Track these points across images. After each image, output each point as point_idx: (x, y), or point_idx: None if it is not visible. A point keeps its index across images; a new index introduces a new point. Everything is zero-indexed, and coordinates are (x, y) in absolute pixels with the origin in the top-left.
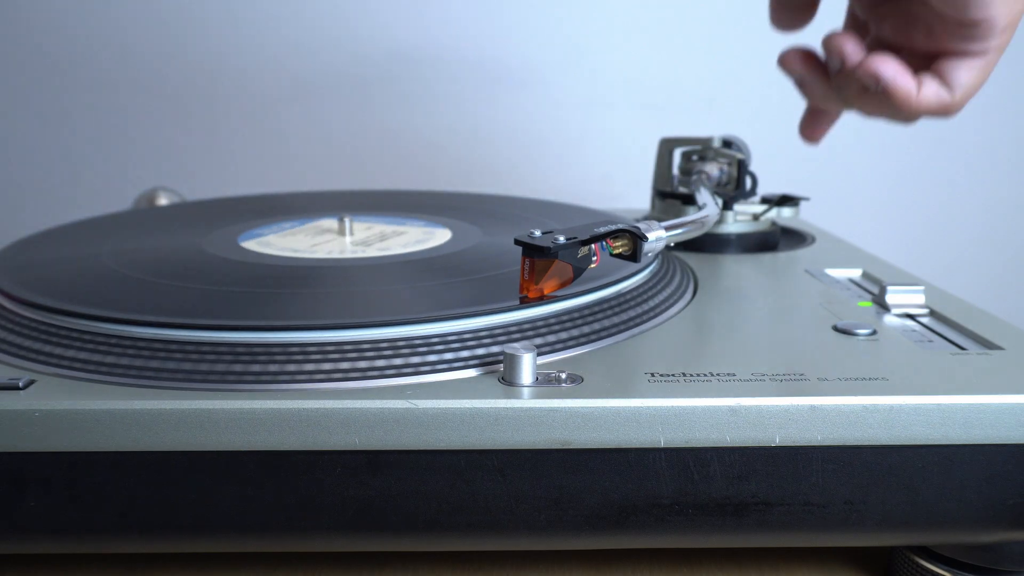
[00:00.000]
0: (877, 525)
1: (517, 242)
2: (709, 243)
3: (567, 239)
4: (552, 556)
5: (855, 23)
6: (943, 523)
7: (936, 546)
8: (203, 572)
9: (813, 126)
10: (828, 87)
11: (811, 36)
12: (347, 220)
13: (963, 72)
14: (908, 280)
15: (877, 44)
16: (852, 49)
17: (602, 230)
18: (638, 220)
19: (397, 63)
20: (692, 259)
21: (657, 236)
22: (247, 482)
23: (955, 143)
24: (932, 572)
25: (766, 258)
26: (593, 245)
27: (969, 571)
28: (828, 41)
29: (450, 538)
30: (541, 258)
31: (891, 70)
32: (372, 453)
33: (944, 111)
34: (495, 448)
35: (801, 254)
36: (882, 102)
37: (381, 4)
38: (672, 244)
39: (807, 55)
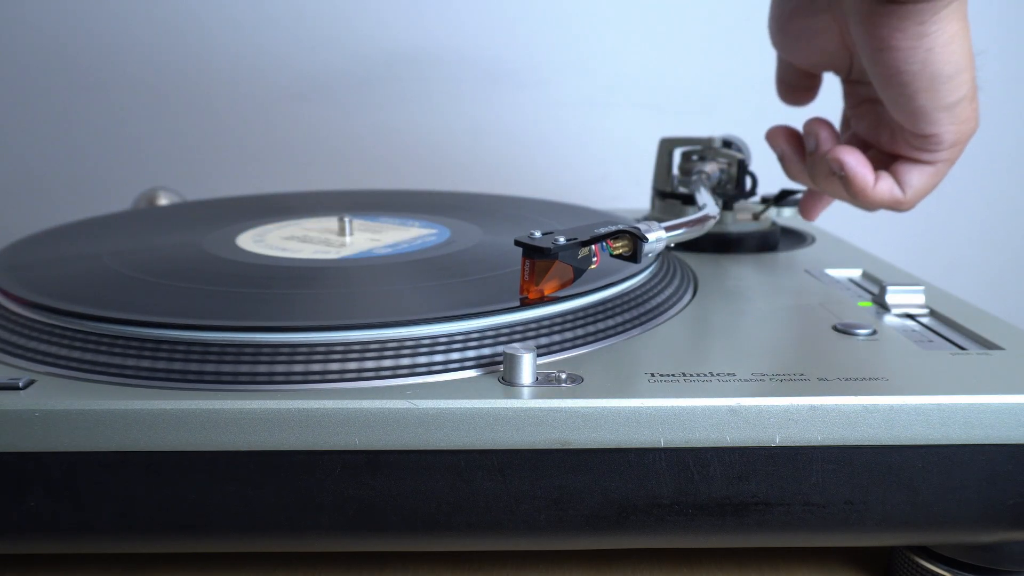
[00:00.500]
0: (877, 525)
1: (517, 243)
2: (709, 243)
3: (567, 240)
4: (552, 556)
5: (846, 119)
6: (943, 523)
7: (936, 546)
8: (203, 572)
9: (811, 207)
10: (803, 165)
11: (822, 107)
12: (347, 220)
13: (915, 176)
14: (908, 280)
15: (853, 139)
16: (825, 136)
17: (602, 231)
18: (638, 220)
19: (397, 63)
20: (692, 259)
21: (657, 237)
22: (247, 482)
23: None
24: (932, 572)
25: (766, 258)
26: (593, 246)
27: (969, 571)
28: (807, 125)
29: (450, 538)
30: (541, 259)
31: (853, 160)
32: (372, 453)
33: (896, 206)
34: (495, 448)
35: (801, 254)
36: (843, 188)
37: (381, 4)
38: (672, 245)
39: (790, 133)
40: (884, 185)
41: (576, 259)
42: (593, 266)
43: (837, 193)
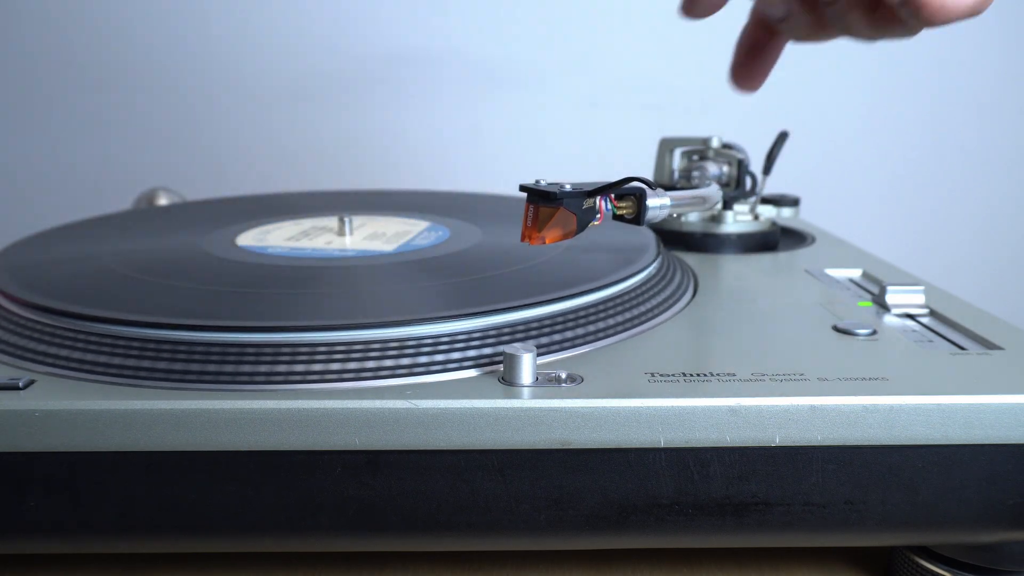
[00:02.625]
0: (877, 525)
1: (522, 188)
2: (709, 243)
3: (573, 188)
4: (552, 556)
5: None
6: (943, 523)
7: (936, 546)
8: (203, 572)
9: (752, 69)
10: (816, 17)
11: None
12: (347, 220)
13: None
14: (908, 280)
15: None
16: None
17: (608, 182)
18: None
19: (397, 63)
20: (692, 259)
21: (661, 203)
22: (247, 482)
23: (955, 143)
24: (932, 572)
25: (766, 258)
26: (598, 200)
27: (969, 571)
28: None
29: (450, 538)
30: (546, 205)
31: None
32: (372, 453)
33: (981, 5)
34: (495, 448)
35: (801, 254)
36: (897, 17)
37: (381, 4)
38: (676, 215)
39: None
40: None
41: (580, 209)
42: (596, 222)
43: (884, 30)
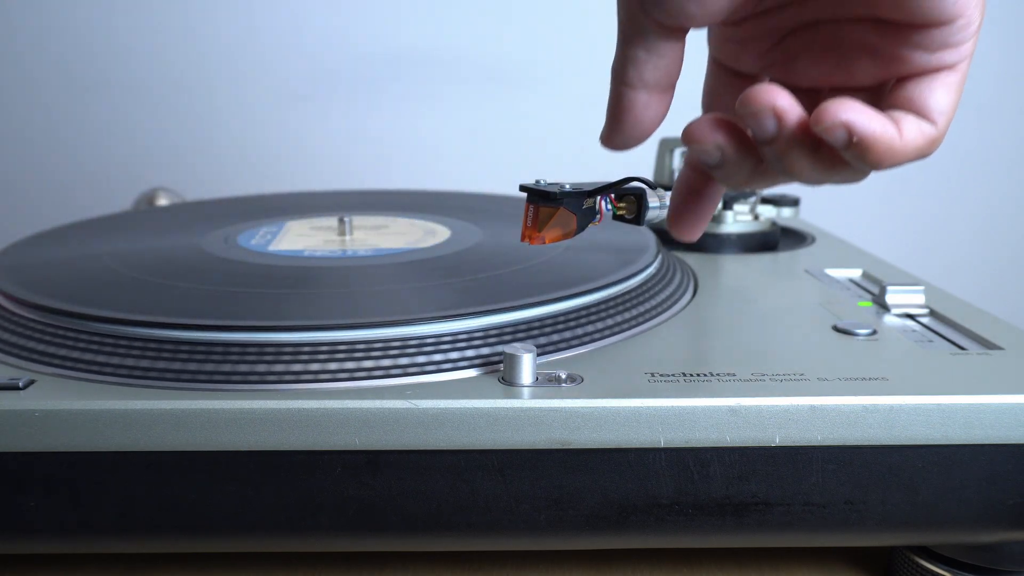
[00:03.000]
0: (877, 525)
1: (522, 188)
2: (709, 243)
3: (572, 188)
4: (552, 556)
5: (724, 82)
6: (943, 523)
7: (936, 546)
8: (203, 572)
9: (693, 216)
10: (757, 161)
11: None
12: (347, 220)
13: (940, 94)
14: (908, 280)
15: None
16: (789, 103)
17: (609, 182)
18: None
19: (397, 63)
20: (692, 259)
21: (661, 203)
22: (247, 482)
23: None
24: (932, 572)
25: (766, 258)
26: (598, 198)
27: (969, 571)
28: (752, 98)
29: (450, 538)
30: (545, 205)
31: (864, 116)
32: (372, 453)
33: (930, 148)
34: (495, 448)
35: (801, 254)
36: (844, 160)
37: (381, 4)
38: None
39: (727, 123)
40: (910, 128)
41: (580, 209)
42: (596, 222)
43: (830, 173)
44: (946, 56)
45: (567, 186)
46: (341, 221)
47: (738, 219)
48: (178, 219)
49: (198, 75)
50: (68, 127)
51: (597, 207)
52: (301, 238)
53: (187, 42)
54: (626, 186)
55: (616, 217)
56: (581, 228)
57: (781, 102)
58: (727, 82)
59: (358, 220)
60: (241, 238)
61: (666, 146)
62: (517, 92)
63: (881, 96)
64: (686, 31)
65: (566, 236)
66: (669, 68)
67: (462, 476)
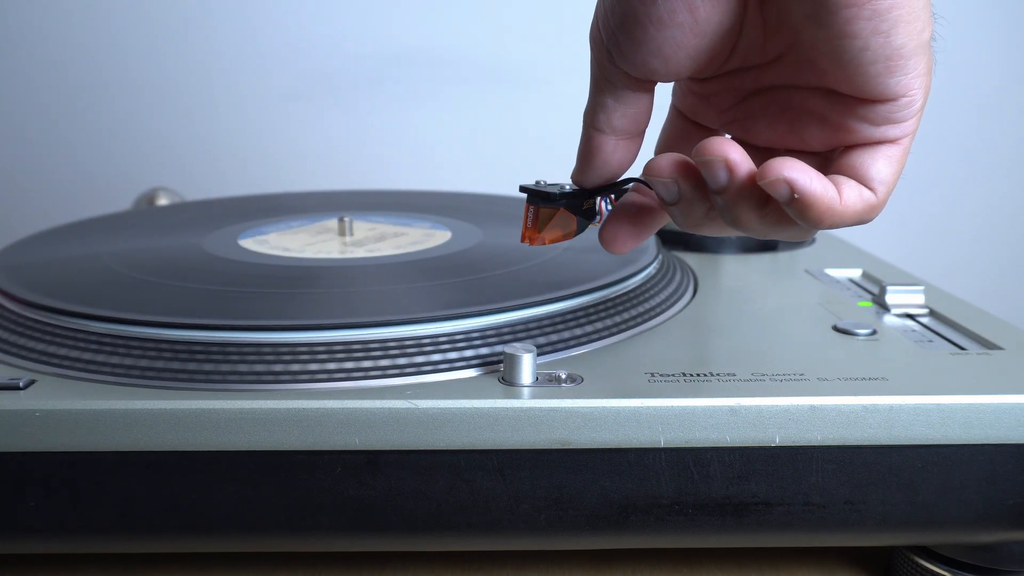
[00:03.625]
0: (877, 525)
1: (522, 188)
2: (709, 243)
3: (572, 189)
4: (552, 556)
5: (682, 129)
6: (943, 523)
7: (936, 546)
8: (203, 572)
9: (629, 233)
10: (709, 208)
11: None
12: (347, 220)
13: (882, 164)
14: (908, 280)
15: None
16: (739, 156)
17: (609, 183)
18: None
19: (397, 63)
20: (692, 259)
21: None
22: (247, 482)
23: (955, 143)
24: (932, 572)
25: (766, 258)
26: (598, 199)
27: (969, 571)
28: (707, 148)
29: (450, 538)
30: (545, 206)
31: (806, 175)
32: (372, 453)
33: (869, 214)
34: (495, 448)
35: (801, 254)
36: (788, 217)
37: (381, 4)
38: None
39: (688, 165)
40: (850, 193)
41: (580, 210)
42: (596, 223)
43: (775, 229)
44: (890, 131)
45: (567, 187)
46: (341, 221)
47: None
48: (178, 219)
49: (198, 75)
50: (68, 127)
51: (597, 208)
52: (301, 238)
53: (187, 42)
54: (626, 187)
55: None
56: (581, 229)
57: (733, 155)
58: (685, 130)
59: (358, 220)
60: (241, 238)
61: None
62: (517, 92)
63: (830, 161)
64: (654, 84)
65: (566, 237)
66: (637, 117)
67: (462, 476)
